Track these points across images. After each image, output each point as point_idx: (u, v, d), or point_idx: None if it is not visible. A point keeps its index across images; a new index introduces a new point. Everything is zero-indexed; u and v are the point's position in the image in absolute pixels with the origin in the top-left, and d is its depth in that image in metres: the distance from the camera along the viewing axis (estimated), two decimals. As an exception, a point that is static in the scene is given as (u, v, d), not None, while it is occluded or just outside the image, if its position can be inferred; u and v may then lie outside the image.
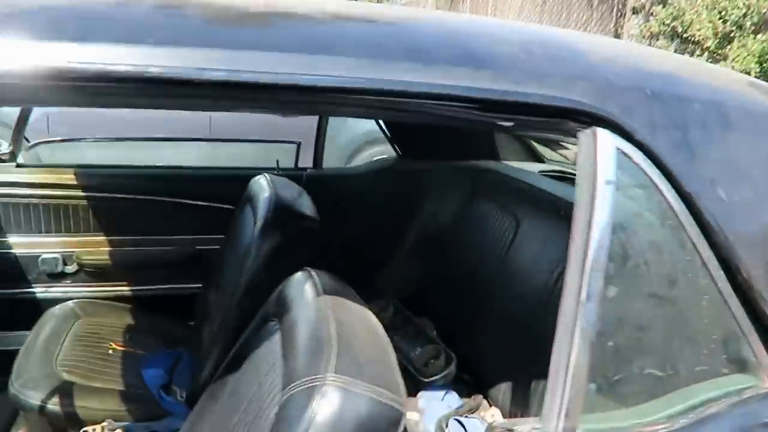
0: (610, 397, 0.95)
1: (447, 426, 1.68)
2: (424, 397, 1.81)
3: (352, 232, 2.62)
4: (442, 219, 2.45)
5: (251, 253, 1.82)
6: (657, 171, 0.98)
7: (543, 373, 1.56)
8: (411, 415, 1.74)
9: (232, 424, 1.41)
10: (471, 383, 1.93)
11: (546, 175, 2.39)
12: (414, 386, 1.86)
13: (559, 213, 1.84)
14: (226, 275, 1.98)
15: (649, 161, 0.98)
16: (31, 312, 2.19)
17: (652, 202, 0.98)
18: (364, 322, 1.30)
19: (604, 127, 0.97)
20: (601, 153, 0.96)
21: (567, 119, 0.99)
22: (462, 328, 2.07)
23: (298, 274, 1.50)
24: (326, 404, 1.05)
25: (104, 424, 1.77)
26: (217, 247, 2.31)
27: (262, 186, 2.01)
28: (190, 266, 2.43)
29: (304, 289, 1.40)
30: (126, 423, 1.79)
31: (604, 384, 0.93)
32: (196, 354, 1.98)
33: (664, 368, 0.96)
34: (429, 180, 2.58)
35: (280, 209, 1.89)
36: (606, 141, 0.97)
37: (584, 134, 0.98)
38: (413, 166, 2.71)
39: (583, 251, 0.91)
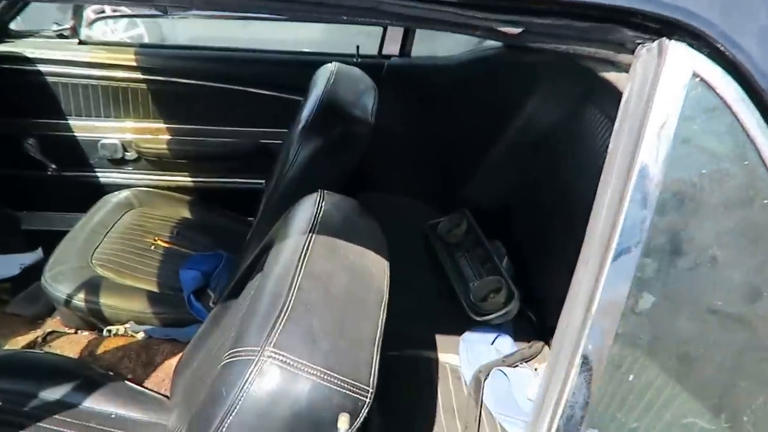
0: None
1: (487, 377, 1.39)
2: (468, 339, 1.51)
3: (437, 132, 2.28)
4: (541, 124, 2.02)
5: (290, 155, 1.57)
6: (758, 115, 0.57)
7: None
8: (448, 359, 1.47)
9: (210, 361, 1.22)
10: (536, 325, 1.60)
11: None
12: (465, 324, 1.56)
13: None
14: (275, 174, 1.75)
15: (746, 98, 0.57)
16: (92, 196, 2.13)
17: (738, 165, 0.57)
18: (347, 275, 1.02)
19: (679, 39, 0.57)
20: (667, 78, 0.56)
21: (620, 24, 0.59)
22: (537, 258, 1.71)
23: (307, 198, 1.24)
24: (259, 384, 0.82)
25: (126, 326, 1.68)
26: (281, 141, 2.09)
27: (322, 77, 1.72)
28: (254, 160, 2.24)
29: (297, 221, 1.14)
30: (149, 326, 1.68)
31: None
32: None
33: (717, 419, 0.59)
34: (535, 76, 2.13)
35: (327, 109, 1.60)
36: (678, 60, 0.57)
37: (646, 50, 0.59)
38: (519, 58, 2.25)
39: (606, 237, 0.55)
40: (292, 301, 0.90)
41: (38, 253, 2.18)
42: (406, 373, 1.41)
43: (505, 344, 1.50)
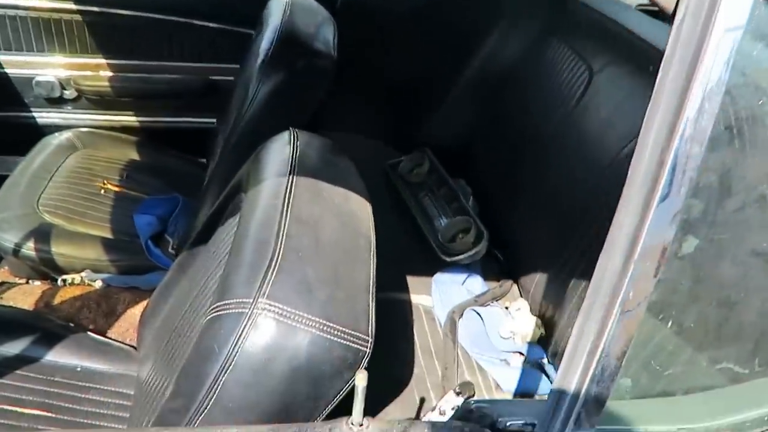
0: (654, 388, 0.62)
1: (461, 317, 1.41)
2: (439, 280, 1.52)
3: (393, 68, 2.22)
4: (504, 58, 1.98)
5: (250, 92, 1.49)
6: None
7: (586, 271, 1.22)
8: (421, 301, 1.47)
9: (183, 311, 1.18)
10: (503, 265, 1.62)
11: (644, 11, 1.85)
12: (435, 265, 1.57)
13: (647, 67, 1.39)
14: (231, 112, 1.67)
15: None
16: (30, 138, 1.99)
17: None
18: (335, 220, 0.99)
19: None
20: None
21: None
22: (503, 195, 1.72)
23: (278, 137, 1.18)
24: (254, 338, 0.79)
25: (83, 274, 1.60)
26: (232, 78, 1.99)
27: (277, 9, 1.63)
28: (203, 98, 2.13)
29: (273, 161, 1.09)
30: (106, 275, 1.62)
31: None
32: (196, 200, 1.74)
33: (751, 363, 0.60)
34: (497, 9, 2.08)
35: (288, 41, 1.52)
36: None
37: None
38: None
39: (652, 177, 0.53)
40: (282, 249, 0.86)
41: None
42: (380, 317, 1.41)
43: (476, 284, 1.52)
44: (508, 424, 0.71)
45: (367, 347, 0.83)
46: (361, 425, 0.72)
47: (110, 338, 1.43)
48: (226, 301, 0.84)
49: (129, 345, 1.40)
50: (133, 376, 1.30)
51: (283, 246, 0.86)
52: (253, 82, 1.50)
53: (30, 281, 1.65)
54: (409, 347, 1.32)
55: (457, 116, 2.08)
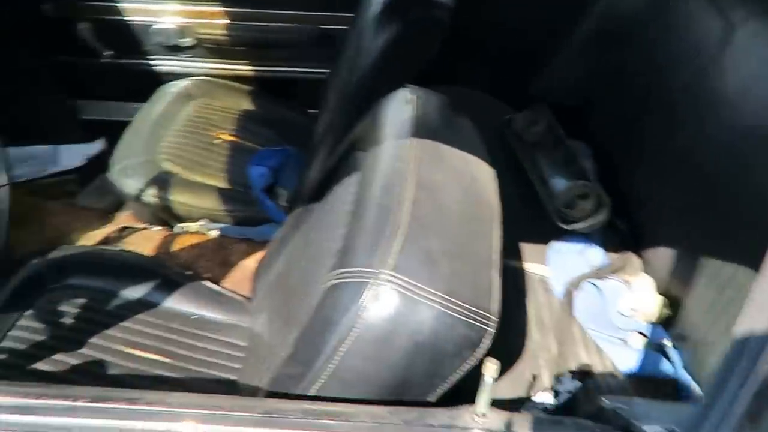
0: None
1: (578, 288, 1.33)
2: (556, 249, 1.44)
3: (507, 20, 2.09)
4: (626, 8, 1.82)
5: (364, 44, 1.45)
6: None
7: (723, 248, 1.11)
8: (536, 270, 1.41)
9: (299, 268, 1.17)
10: (626, 236, 1.52)
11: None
12: (551, 232, 1.49)
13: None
14: (345, 65, 1.64)
15: None
16: (148, 85, 2.05)
17: None
18: (458, 186, 0.93)
19: None
20: None
21: None
22: (627, 160, 1.60)
23: (397, 95, 1.13)
24: (377, 310, 0.76)
25: (201, 223, 1.64)
26: (346, 27, 1.94)
27: None
28: (316, 48, 2.11)
29: (394, 121, 1.04)
30: (222, 225, 1.65)
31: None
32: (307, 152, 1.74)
33: None
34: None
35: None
36: None
37: None
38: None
39: None
40: (406, 217, 0.82)
41: (101, 143, 2.13)
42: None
43: (596, 255, 1.43)
44: (644, 428, 0.65)
45: (490, 326, 0.79)
46: (485, 415, 0.69)
47: (225, 288, 1.47)
48: (348, 269, 0.81)
49: (242, 295, 1.44)
50: (245, 328, 1.33)
51: (407, 214, 0.83)
52: (368, 31, 1.45)
53: (150, 226, 1.72)
54: (523, 319, 1.27)
55: (574, 70, 1.94)
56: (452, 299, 0.77)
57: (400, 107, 1.09)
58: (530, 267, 1.41)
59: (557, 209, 1.52)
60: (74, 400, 0.71)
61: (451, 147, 1.01)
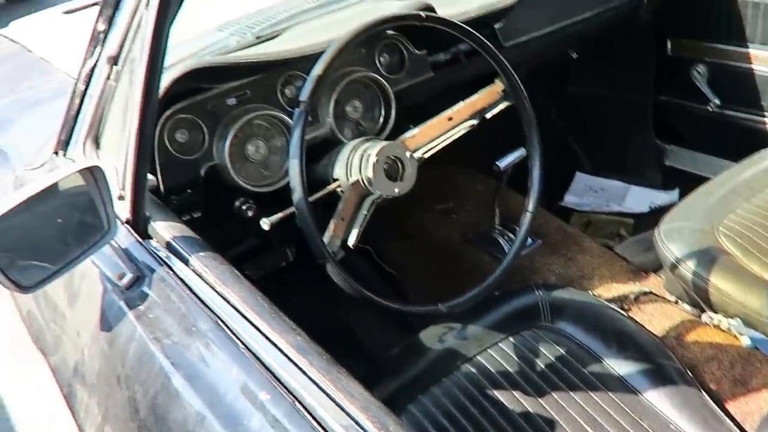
0: None
1: None
2: None
3: None
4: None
5: None
6: None
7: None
8: None
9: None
10: None
11: None
12: None
13: None
14: None
15: None
16: (748, 144, 1.75)
17: None
18: None
19: None
20: None
21: None
22: None
23: None
24: None
25: (732, 321, 1.33)
26: None
27: None
28: None
29: None
30: (759, 334, 1.29)
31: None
32: None
33: None
34: None
35: None
36: None
37: None
38: None
39: None
40: None
41: (674, 195, 1.97)
42: None
43: None
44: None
45: None
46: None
47: (725, 410, 1.14)
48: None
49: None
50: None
51: None
52: None
53: (679, 302, 1.48)
54: None
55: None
56: None
57: None
58: None
59: None
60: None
61: None
